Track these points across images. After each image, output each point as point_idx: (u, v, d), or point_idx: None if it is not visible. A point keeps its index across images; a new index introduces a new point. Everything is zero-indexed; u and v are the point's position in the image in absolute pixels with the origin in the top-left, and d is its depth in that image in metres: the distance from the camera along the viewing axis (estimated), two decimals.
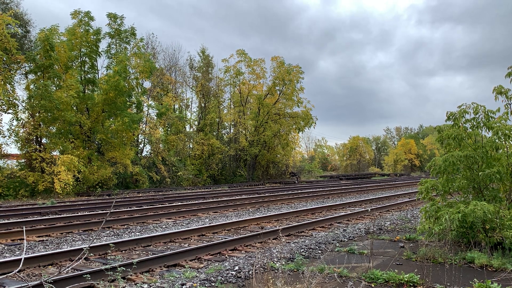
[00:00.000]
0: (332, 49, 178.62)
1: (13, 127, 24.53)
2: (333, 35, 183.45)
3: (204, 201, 19.26)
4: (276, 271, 5.94)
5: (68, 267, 4.68)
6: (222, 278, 5.93)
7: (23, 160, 25.45)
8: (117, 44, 29.16)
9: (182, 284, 5.66)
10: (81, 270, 6.22)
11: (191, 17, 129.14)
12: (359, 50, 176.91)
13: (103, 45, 28.90)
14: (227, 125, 45.20)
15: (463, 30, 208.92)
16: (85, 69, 28.23)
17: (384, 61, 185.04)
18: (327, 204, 17.12)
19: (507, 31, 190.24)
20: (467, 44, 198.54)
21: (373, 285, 5.52)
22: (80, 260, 5.80)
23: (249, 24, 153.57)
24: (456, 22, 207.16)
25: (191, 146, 39.13)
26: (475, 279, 5.44)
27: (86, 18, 27.29)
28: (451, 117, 7.97)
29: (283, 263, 6.77)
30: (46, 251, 8.45)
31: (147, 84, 35.60)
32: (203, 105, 41.44)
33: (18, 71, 25.28)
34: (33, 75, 25.42)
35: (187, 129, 40.69)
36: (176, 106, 41.13)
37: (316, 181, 47.51)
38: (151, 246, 8.84)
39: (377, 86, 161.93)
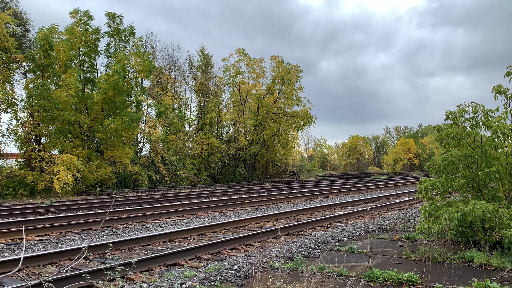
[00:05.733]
0: (335, 50, 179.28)
1: (12, 127, 24.53)
2: (335, 37, 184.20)
3: (204, 200, 19.25)
4: (275, 270, 5.94)
5: (67, 267, 4.68)
6: (222, 277, 5.93)
7: (22, 160, 25.43)
8: (116, 43, 29.13)
9: (182, 284, 5.66)
10: (80, 270, 6.22)
11: (196, 19, 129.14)
12: (361, 51, 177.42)
13: (102, 44, 28.89)
14: (226, 124, 45.22)
15: (463, 32, 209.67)
16: (84, 68, 28.19)
17: (385, 62, 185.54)
18: (326, 204, 17.13)
19: (506, 35, 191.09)
20: (467, 46, 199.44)
21: (372, 284, 5.52)
22: (80, 259, 5.80)
23: (254, 27, 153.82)
24: (457, 25, 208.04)
25: (190, 146, 39.12)
26: (474, 278, 5.45)
27: (85, 17, 27.24)
28: (450, 116, 7.97)
29: (283, 262, 6.77)
30: (45, 250, 8.44)
31: (146, 84, 35.64)
32: (202, 104, 41.42)
33: (17, 70, 25.26)
34: (32, 74, 25.38)
35: (187, 129, 40.71)
36: (176, 106, 41.13)
37: (316, 180, 47.53)
38: (151, 246, 8.84)
39: (379, 86, 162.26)
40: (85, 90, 28.04)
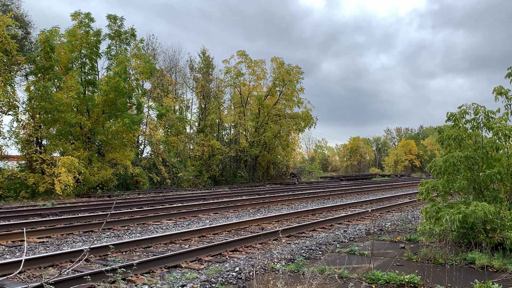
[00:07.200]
0: (335, 51, 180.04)
1: (13, 129, 24.58)
2: (336, 38, 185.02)
3: (205, 202, 19.24)
4: (276, 272, 5.94)
5: (68, 269, 4.68)
6: (223, 279, 5.93)
7: (23, 162, 25.46)
8: (117, 45, 29.16)
9: (183, 286, 5.66)
10: (81, 272, 6.21)
11: (197, 20, 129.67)
12: (361, 53, 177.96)
13: (103, 47, 28.94)
14: (227, 126, 45.21)
15: (463, 33, 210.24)
16: (85, 70, 28.23)
17: (386, 63, 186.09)
18: (328, 205, 17.11)
19: (506, 35, 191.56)
20: (467, 47, 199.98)
21: (374, 286, 5.51)
22: (81, 261, 5.80)
23: (255, 28, 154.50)
24: (457, 26, 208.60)
25: (191, 147, 39.12)
26: (476, 279, 5.44)
27: (86, 20, 27.28)
28: (451, 117, 7.97)
29: (284, 264, 6.76)
30: (47, 252, 8.44)
31: (147, 85, 35.67)
32: (203, 106, 41.45)
33: (18, 72, 25.32)
34: (33, 76, 25.44)
35: (188, 130, 40.72)
36: (177, 107, 41.16)
37: (317, 182, 47.48)
38: (152, 247, 8.83)
39: (379, 87, 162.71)
40: (86, 92, 28.09)
